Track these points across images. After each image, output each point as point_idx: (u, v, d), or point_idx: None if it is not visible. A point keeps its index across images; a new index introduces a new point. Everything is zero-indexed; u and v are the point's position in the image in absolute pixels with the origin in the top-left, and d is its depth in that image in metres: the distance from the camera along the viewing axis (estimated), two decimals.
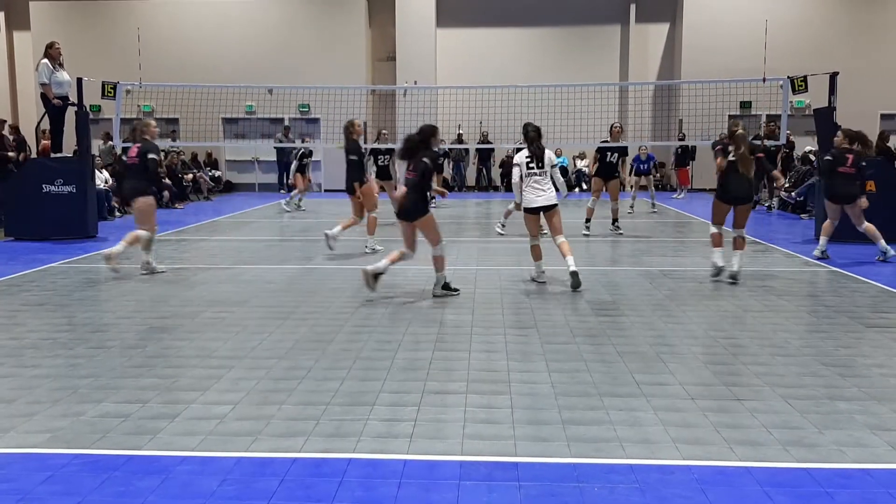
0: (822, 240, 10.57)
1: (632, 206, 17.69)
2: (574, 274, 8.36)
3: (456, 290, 8.18)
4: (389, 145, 15.12)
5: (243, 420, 4.56)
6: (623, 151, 13.79)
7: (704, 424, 4.49)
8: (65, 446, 4.18)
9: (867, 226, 10.42)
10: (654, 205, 18.67)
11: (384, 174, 15.04)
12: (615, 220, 13.83)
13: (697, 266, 10.10)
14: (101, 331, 6.77)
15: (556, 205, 8.74)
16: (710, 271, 9.18)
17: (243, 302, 7.87)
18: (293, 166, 18.39)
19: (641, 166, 18.99)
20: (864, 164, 10.62)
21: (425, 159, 8.00)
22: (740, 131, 8.98)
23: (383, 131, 16.33)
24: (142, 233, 9.41)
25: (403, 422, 4.52)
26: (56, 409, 4.75)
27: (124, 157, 10.29)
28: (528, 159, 8.74)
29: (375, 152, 15.06)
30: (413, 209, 8.02)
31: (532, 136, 8.75)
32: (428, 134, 8.13)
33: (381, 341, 6.33)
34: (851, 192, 10.38)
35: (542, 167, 8.73)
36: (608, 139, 13.96)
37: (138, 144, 9.66)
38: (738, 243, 9.10)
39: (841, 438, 4.28)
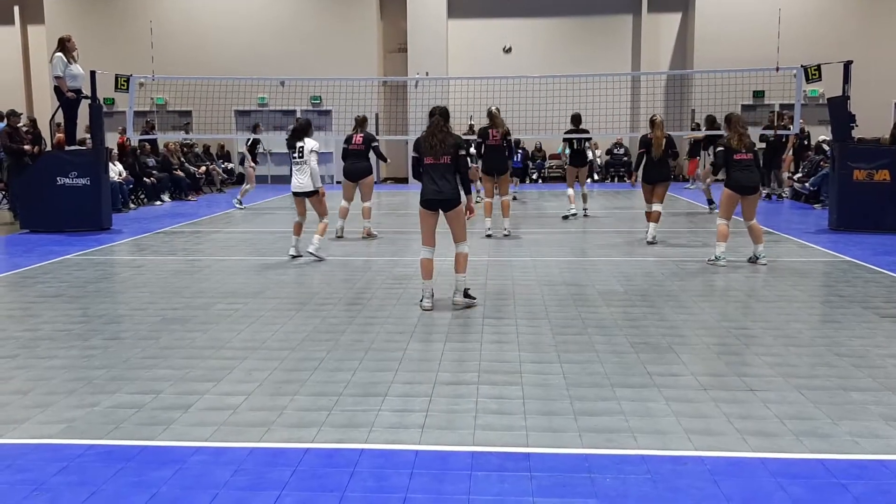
0: (719, 247, 9.33)
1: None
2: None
3: (474, 297, 7.39)
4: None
5: (256, 411, 4.58)
6: (588, 138, 14.15)
7: (717, 415, 4.47)
8: (79, 437, 4.21)
9: (755, 224, 9.42)
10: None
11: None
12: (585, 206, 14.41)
13: (709, 256, 10.04)
14: (115, 322, 6.81)
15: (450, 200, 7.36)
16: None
17: (256, 293, 7.90)
18: (246, 157, 17.43)
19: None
20: (760, 150, 10.19)
21: (458, 144, 7.19)
22: (658, 119, 11.26)
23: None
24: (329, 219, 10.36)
25: (415, 412, 4.53)
26: (71, 399, 4.79)
27: (346, 145, 12.07)
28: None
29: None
30: (449, 198, 7.13)
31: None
32: (447, 113, 7.28)
33: (393, 332, 6.34)
34: (753, 180, 9.33)
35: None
36: (573, 128, 14.22)
37: (361, 133, 11.95)
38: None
39: (855, 429, 4.26)
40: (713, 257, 9.38)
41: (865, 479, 3.69)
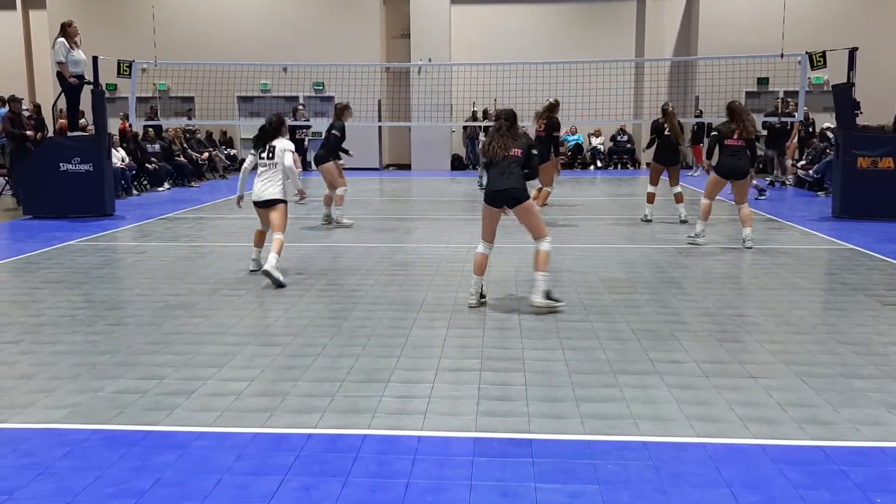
0: (699, 224, 9.91)
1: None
2: None
3: (560, 300, 6.70)
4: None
5: (259, 396, 4.60)
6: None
7: (719, 402, 4.49)
8: (84, 422, 4.23)
9: (745, 209, 9.73)
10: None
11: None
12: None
13: (712, 243, 10.04)
14: (118, 308, 6.83)
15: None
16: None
17: (259, 279, 7.90)
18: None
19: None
20: (754, 138, 9.88)
21: (530, 143, 6.97)
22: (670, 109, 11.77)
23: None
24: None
25: (418, 399, 4.54)
26: (75, 384, 4.81)
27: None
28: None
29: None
30: (517, 193, 6.68)
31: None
32: (514, 117, 6.99)
33: (396, 319, 6.35)
34: (740, 166, 9.62)
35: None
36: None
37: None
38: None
39: (856, 416, 4.27)
40: (692, 234, 9.88)
41: (866, 465, 3.70)
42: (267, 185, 7.97)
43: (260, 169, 8.08)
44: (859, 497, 3.39)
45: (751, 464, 3.71)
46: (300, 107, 20.01)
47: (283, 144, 8.04)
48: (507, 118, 6.93)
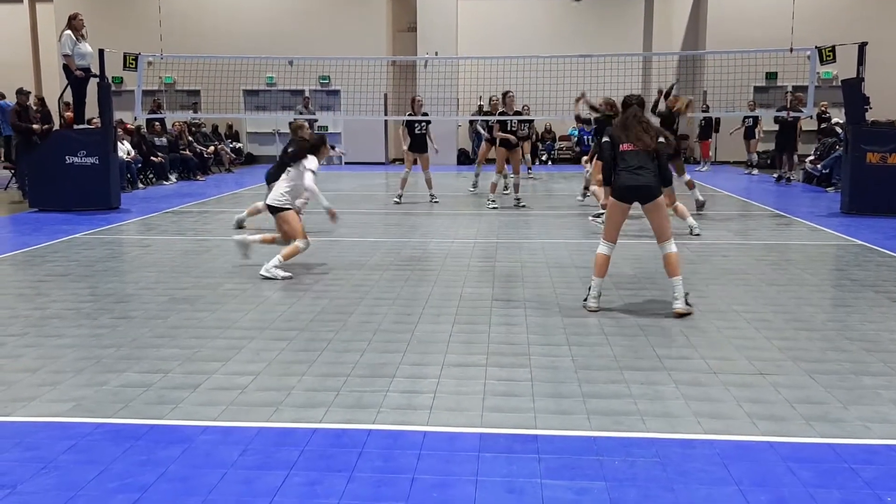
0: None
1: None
2: None
3: (692, 304, 6.31)
4: (424, 116, 14.22)
5: (264, 391, 4.58)
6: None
7: (727, 399, 4.45)
8: (88, 415, 4.22)
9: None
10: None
11: (420, 146, 14.10)
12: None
13: (721, 239, 10.00)
14: (123, 301, 6.82)
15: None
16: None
17: (253, 270, 7.88)
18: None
19: None
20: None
21: (660, 131, 6.49)
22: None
23: (417, 97, 14.69)
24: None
25: (423, 394, 4.52)
26: (79, 378, 4.80)
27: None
28: None
29: (410, 123, 14.04)
30: (654, 190, 6.25)
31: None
32: (643, 102, 6.60)
33: (401, 314, 6.33)
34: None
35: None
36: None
37: None
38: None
39: (866, 414, 4.23)
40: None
41: (876, 463, 3.66)
42: (277, 190, 8.05)
43: (284, 174, 8.17)
44: (869, 495, 3.36)
45: (759, 461, 3.68)
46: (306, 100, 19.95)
47: (309, 162, 7.95)
48: (640, 103, 6.48)
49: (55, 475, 3.53)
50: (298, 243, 7.81)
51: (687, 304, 6.23)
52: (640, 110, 6.52)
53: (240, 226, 10.32)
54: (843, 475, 3.54)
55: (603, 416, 4.20)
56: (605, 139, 6.54)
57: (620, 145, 6.35)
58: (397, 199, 13.86)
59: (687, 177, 11.92)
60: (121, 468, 3.59)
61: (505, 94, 13.88)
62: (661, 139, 6.35)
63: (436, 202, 13.73)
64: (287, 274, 7.61)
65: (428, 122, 14.12)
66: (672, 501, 3.30)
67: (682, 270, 6.35)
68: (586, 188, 13.24)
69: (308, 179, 7.87)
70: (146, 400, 4.44)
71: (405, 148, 14.25)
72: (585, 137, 18.04)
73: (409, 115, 14.25)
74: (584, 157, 15.04)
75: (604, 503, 3.28)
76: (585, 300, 6.45)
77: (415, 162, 14.19)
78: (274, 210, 7.99)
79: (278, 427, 4.07)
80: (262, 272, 7.60)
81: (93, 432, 3.99)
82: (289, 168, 8.14)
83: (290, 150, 8.48)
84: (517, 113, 14.38)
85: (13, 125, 13.10)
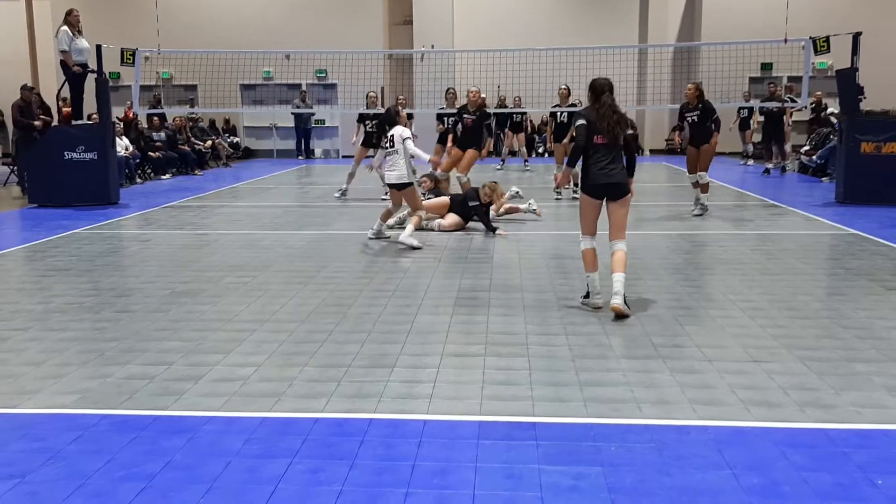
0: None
1: None
2: None
3: (629, 307, 6.07)
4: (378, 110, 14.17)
5: (266, 381, 4.64)
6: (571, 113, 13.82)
7: (721, 385, 4.52)
8: (93, 407, 4.29)
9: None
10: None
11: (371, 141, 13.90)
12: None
13: (716, 229, 10.07)
14: (125, 295, 6.88)
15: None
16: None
17: (264, 267, 7.95)
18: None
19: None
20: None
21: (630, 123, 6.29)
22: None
23: (371, 93, 14.66)
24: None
25: (423, 383, 4.59)
26: (84, 370, 4.86)
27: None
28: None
29: (363, 117, 14.07)
30: (624, 187, 6.18)
31: None
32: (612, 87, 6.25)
33: (401, 305, 6.39)
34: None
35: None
36: (559, 103, 14.09)
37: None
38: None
39: (858, 399, 4.31)
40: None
41: (867, 448, 3.73)
42: (393, 171, 9.07)
43: (386, 156, 9.22)
44: (861, 479, 3.43)
45: (753, 446, 3.75)
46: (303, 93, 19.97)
47: (399, 132, 9.08)
48: (611, 89, 6.15)
49: (62, 465, 3.60)
50: (422, 213, 9.38)
51: (626, 304, 5.98)
52: (612, 97, 6.20)
53: (379, 235, 9.55)
54: (835, 459, 3.61)
55: (600, 403, 4.27)
56: (581, 122, 6.16)
57: (595, 136, 6.10)
58: (339, 193, 13.74)
59: (707, 178, 11.25)
60: (127, 458, 3.66)
61: (447, 91, 14.05)
62: (631, 130, 6.21)
63: (385, 199, 13.18)
64: (419, 244, 8.75)
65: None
66: (668, 486, 3.37)
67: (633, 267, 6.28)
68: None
69: (409, 146, 8.99)
70: (150, 391, 4.50)
71: (358, 143, 14.07)
72: None
73: (364, 110, 14.29)
74: None
75: (601, 488, 3.35)
76: (587, 297, 6.29)
77: (368, 156, 13.87)
78: (396, 187, 9.12)
79: (281, 417, 4.14)
80: (402, 238, 8.84)
81: (98, 423, 4.06)
82: (386, 149, 9.13)
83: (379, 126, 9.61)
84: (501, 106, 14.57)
85: (15, 121, 13.11)
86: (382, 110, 14.10)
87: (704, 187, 11.31)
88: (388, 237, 9.38)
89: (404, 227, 9.18)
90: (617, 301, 5.93)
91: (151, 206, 13.00)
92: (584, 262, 6.33)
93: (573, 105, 14.33)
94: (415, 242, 8.75)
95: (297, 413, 4.18)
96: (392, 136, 9.09)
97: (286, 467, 3.55)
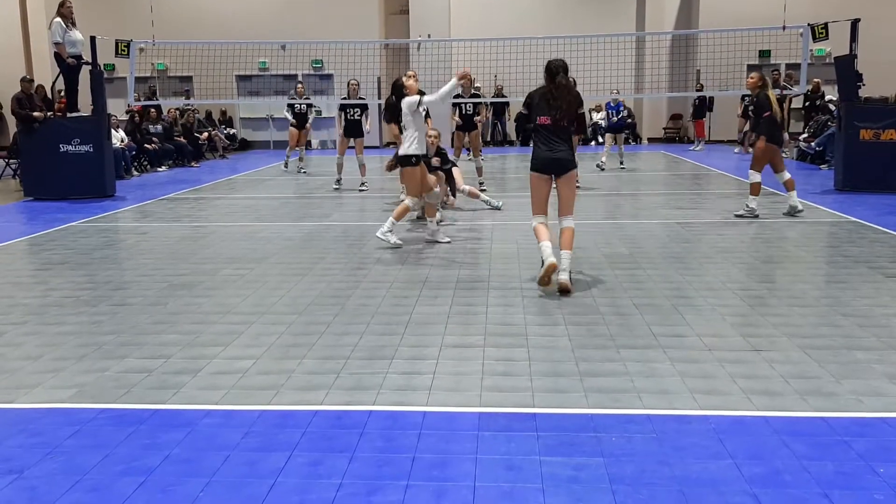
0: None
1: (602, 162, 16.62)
2: None
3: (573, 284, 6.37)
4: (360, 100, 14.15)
5: (265, 374, 4.62)
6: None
7: (721, 375, 4.51)
8: (91, 401, 4.26)
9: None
10: (622, 162, 17.11)
11: (355, 130, 14.05)
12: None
13: (714, 218, 10.05)
14: (122, 288, 6.85)
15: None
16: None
17: (262, 259, 7.92)
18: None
19: (612, 119, 17.15)
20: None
21: (581, 103, 6.55)
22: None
23: (352, 81, 14.45)
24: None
25: (422, 375, 4.57)
26: (81, 364, 4.84)
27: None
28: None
29: (344, 107, 14.04)
30: (570, 163, 6.45)
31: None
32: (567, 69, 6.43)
33: (399, 297, 6.37)
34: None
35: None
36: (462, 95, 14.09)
37: None
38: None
39: (859, 387, 4.29)
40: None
41: (868, 436, 3.72)
42: (405, 143, 8.50)
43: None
44: (862, 467, 3.42)
45: (754, 435, 3.73)
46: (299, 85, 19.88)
47: (406, 103, 8.39)
48: (565, 69, 6.30)
49: (61, 460, 3.57)
50: (408, 202, 8.55)
51: (570, 280, 6.22)
52: (567, 78, 6.38)
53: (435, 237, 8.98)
54: (836, 448, 3.60)
55: (600, 393, 4.25)
56: (523, 110, 6.65)
57: (539, 118, 6.39)
58: (336, 186, 13.80)
59: (787, 175, 10.05)
60: (125, 452, 3.64)
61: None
62: (581, 110, 6.50)
63: (364, 190, 13.49)
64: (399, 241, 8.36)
65: (364, 108, 14.04)
66: (668, 476, 3.35)
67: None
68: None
69: (427, 99, 8.40)
70: (148, 385, 4.48)
71: (340, 133, 14.24)
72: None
73: (344, 99, 14.26)
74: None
75: (601, 479, 3.34)
76: (546, 274, 6.20)
77: (350, 147, 14.11)
78: (403, 162, 8.55)
79: (279, 409, 4.12)
80: (378, 235, 8.32)
81: (96, 417, 4.04)
82: (403, 124, 8.55)
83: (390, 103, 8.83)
84: (474, 95, 14.83)
85: (14, 113, 13.04)
86: (363, 100, 14.24)
87: (752, 187, 9.99)
88: (447, 241, 8.57)
89: (427, 221, 8.81)
90: (564, 277, 6.21)
91: (148, 198, 12.96)
92: (536, 235, 6.49)
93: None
94: (394, 239, 8.28)
95: (296, 406, 4.16)
96: (407, 105, 8.43)
97: (285, 460, 3.54)
